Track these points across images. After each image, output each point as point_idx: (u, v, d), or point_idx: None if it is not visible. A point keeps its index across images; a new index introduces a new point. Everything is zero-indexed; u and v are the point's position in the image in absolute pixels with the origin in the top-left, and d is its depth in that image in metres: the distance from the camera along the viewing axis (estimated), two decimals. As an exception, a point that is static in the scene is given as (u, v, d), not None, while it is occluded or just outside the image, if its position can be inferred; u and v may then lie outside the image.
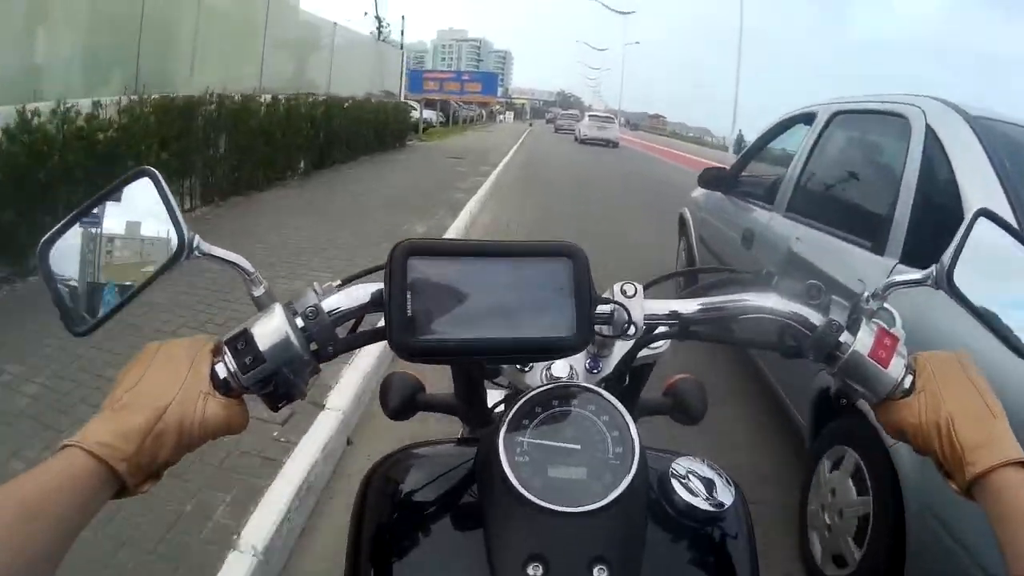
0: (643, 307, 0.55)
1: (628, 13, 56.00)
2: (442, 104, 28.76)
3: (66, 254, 0.51)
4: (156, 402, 0.46)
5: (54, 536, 0.39)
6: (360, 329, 0.55)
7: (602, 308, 0.54)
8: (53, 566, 0.39)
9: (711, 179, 3.47)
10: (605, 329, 0.55)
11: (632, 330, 0.55)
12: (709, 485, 0.54)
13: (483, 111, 46.75)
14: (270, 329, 0.49)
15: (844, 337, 0.54)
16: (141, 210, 0.51)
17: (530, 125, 45.07)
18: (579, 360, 0.64)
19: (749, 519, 0.57)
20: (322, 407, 2.32)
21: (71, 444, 0.42)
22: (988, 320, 0.55)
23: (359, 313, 0.53)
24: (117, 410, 0.45)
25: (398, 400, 0.69)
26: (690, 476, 0.54)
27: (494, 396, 0.67)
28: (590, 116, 30.19)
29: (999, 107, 2.16)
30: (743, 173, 3.46)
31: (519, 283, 0.49)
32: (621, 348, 0.63)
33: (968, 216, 0.55)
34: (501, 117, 49.70)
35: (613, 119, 30.64)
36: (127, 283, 0.51)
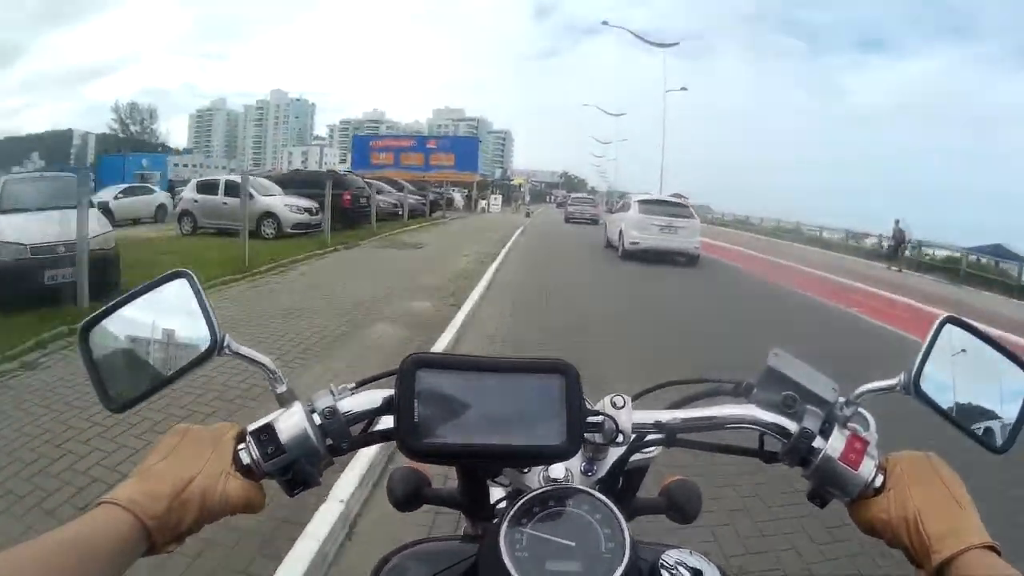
0: (631, 417, 0.60)
1: (620, 115, 62.45)
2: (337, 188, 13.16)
3: (105, 338, 0.57)
4: (183, 473, 0.52)
5: None
6: (372, 429, 0.60)
7: (593, 418, 0.59)
8: None
9: None
10: (596, 437, 0.60)
11: (620, 438, 0.60)
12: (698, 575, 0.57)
13: (454, 194, 31.45)
14: (291, 424, 0.57)
15: (817, 443, 0.59)
16: (176, 306, 0.57)
17: (527, 215, 29.66)
18: (575, 463, 0.66)
19: None
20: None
21: (107, 501, 0.48)
22: (957, 421, 0.60)
23: (371, 415, 0.59)
24: (147, 477, 0.51)
25: (403, 493, 0.71)
26: (679, 567, 0.57)
27: (496, 493, 0.70)
28: (641, 203, 14.17)
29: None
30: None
31: (516, 395, 0.56)
32: (615, 453, 0.66)
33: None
34: (483, 204, 33.49)
35: (689, 209, 14.52)
36: (161, 372, 0.57)
